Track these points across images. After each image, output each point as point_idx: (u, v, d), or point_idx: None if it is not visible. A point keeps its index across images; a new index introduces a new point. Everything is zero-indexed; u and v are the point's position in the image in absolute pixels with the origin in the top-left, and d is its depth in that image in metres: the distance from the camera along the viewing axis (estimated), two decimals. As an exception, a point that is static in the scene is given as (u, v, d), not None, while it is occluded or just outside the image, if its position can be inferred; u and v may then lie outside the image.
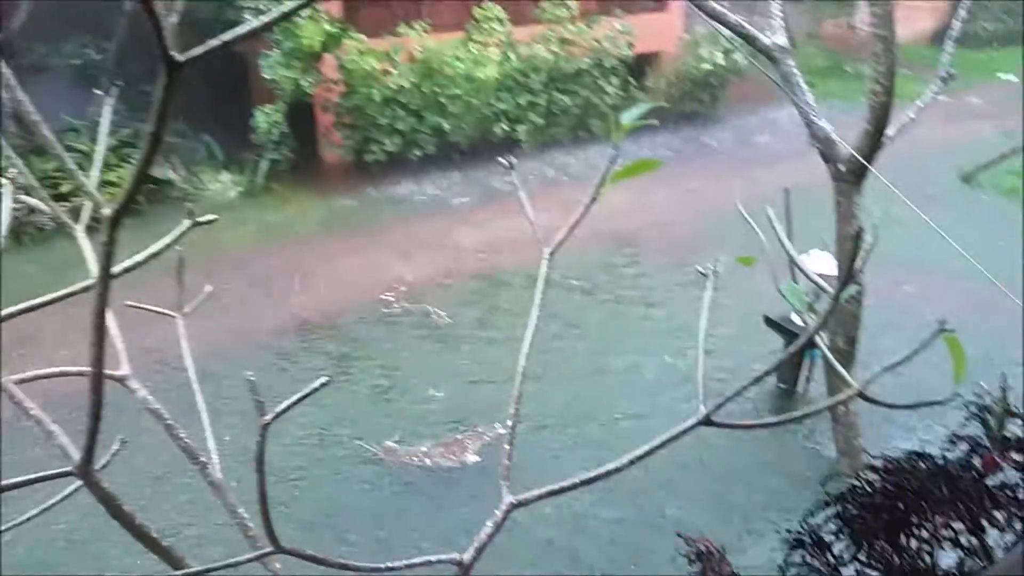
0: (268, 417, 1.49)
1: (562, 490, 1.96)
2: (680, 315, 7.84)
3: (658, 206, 10.06)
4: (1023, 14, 16.82)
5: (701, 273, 2.28)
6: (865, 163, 4.83)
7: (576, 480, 1.92)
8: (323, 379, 1.50)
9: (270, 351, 7.43)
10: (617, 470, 1.85)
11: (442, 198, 10.99)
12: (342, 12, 11.36)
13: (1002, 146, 10.57)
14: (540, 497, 1.99)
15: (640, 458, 1.85)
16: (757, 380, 1.87)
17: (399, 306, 8.18)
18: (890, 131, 4.90)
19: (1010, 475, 3.43)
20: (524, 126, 11.98)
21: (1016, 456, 3.53)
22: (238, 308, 7.90)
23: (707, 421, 1.80)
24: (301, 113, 11.17)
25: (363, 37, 11.06)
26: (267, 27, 1.15)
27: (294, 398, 1.50)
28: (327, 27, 10.44)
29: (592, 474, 1.88)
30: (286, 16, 1.17)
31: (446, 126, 11.40)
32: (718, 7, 5.17)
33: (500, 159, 2.41)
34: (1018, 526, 3.40)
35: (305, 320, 8.00)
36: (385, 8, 11.97)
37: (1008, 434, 3.65)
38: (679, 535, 3.69)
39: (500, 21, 11.72)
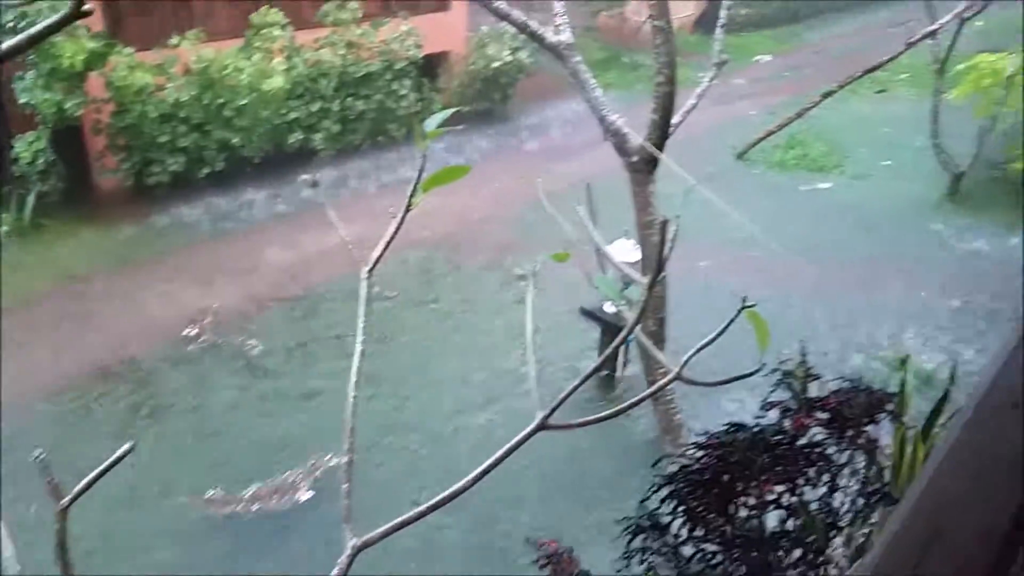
0: (66, 500, 1.29)
1: (408, 522, 1.87)
2: (503, 314, 7.91)
3: (467, 207, 10.09)
4: None
5: (519, 276, 2.25)
6: (657, 153, 5.06)
7: (422, 509, 1.83)
8: (128, 445, 1.32)
9: (62, 407, 6.66)
10: (461, 491, 1.79)
11: (239, 217, 10.38)
12: (105, 25, 10.39)
13: (766, 123, 11.58)
14: (386, 534, 1.87)
15: (483, 474, 1.79)
16: (588, 377, 1.86)
17: (205, 339, 7.63)
18: (675, 118, 5.16)
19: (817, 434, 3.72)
20: (320, 134, 11.58)
21: (819, 415, 3.84)
22: (20, 363, 7.01)
23: (544, 426, 1.77)
24: (69, 138, 10.11)
25: (131, 51, 10.18)
26: (14, 52, 0.95)
27: (93, 474, 1.29)
28: (89, 43, 9.50)
29: (436, 499, 1.81)
30: (34, 42, 0.97)
31: (235, 140, 10.76)
32: (502, 6, 5.21)
33: (304, 176, 2.25)
34: (826, 478, 3.69)
35: (101, 367, 7.25)
36: (152, 18, 11.08)
37: (811, 395, 3.97)
38: (528, 540, 3.70)
39: (280, 26, 11.23)
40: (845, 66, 11.87)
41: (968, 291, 8.14)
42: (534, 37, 5.31)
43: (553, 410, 1.80)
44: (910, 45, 8.94)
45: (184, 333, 7.66)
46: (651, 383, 5.72)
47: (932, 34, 9.06)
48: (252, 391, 6.97)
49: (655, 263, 1.68)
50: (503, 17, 5.22)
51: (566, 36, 5.29)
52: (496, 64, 13.17)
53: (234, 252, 9.39)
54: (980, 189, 10.16)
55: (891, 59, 9.42)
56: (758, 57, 16.52)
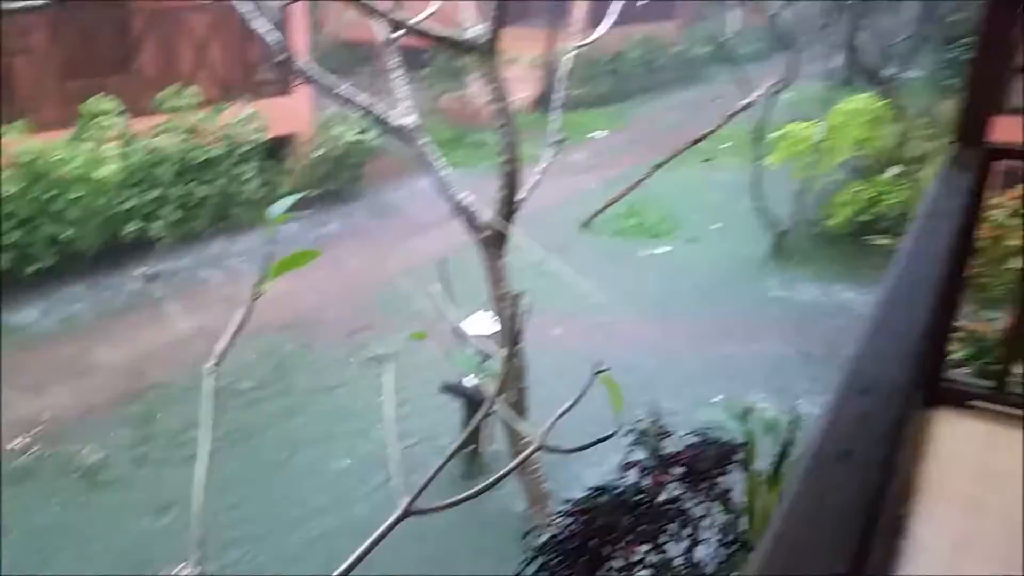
0: None
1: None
2: (364, 398, 7.76)
3: (320, 290, 9.92)
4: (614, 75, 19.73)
5: (377, 358, 2.25)
6: (505, 227, 5.22)
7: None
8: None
9: None
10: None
11: (72, 314, 9.69)
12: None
13: (606, 194, 12.21)
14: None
15: (348, 570, 1.74)
16: (452, 456, 1.86)
17: (36, 451, 6.98)
18: (521, 194, 5.37)
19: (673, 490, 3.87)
20: (159, 222, 11.10)
21: (675, 470, 4.01)
22: None
23: (409, 512, 1.75)
24: None
25: (-56, 144, 9.46)
26: None
27: None
28: None
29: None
30: None
31: (67, 233, 10.13)
32: (346, 91, 5.29)
33: (141, 270, 2.15)
34: (687, 532, 3.84)
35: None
36: (-31, 109, 10.38)
37: (666, 452, 4.14)
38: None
39: (114, 114, 10.80)
40: (673, 138, 12.81)
41: (800, 340, 8.80)
42: (380, 121, 5.41)
43: (418, 494, 1.79)
44: (729, 117, 9.78)
45: (10, 446, 6.98)
46: (516, 454, 5.76)
47: (747, 107, 9.96)
48: (92, 504, 6.42)
49: (512, 334, 1.73)
50: (347, 102, 5.30)
51: (411, 119, 5.42)
52: (343, 145, 13.23)
53: (68, 353, 8.72)
54: (801, 245, 11.10)
55: (713, 131, 10.26)
56: (594, 133, 17.47)
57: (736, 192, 12.00)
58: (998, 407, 3.19)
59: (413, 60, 16.54)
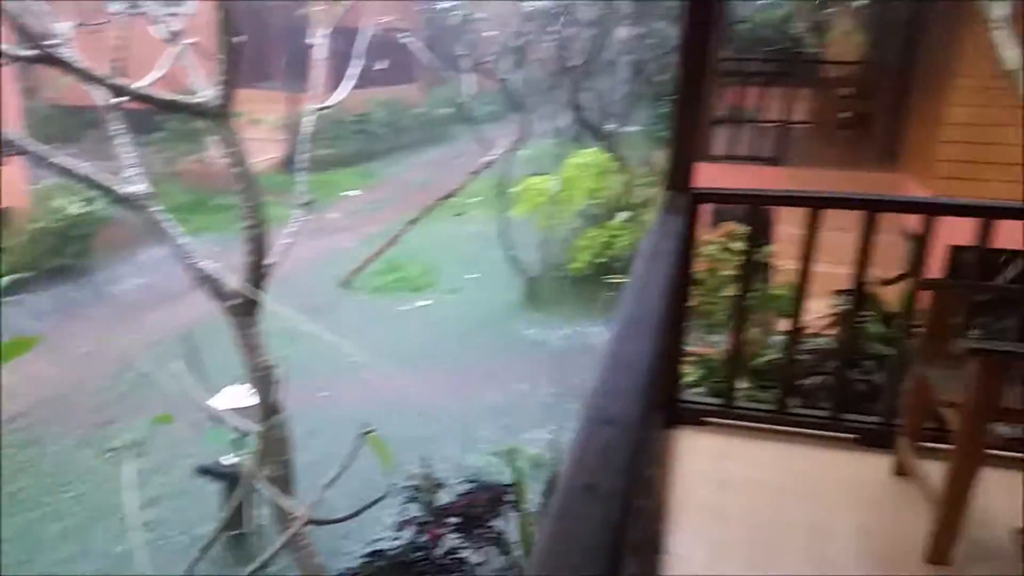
0: None
1: None
2: (105, 492, 6.96)
3: (50, 377, 8.83)
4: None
5: (115, 450, 2.03)
6: (256, 294, 5.00)
7: None
8: None
9: None
10: None
11: None
12: None
13: (363, 252, 12.18)
14: None
15: None
16: (210, 545, 1.73)
17: None
18: (271, 258, 5.18)
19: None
20: None
21: (450, 521, 4.01)
22: None
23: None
24: None
25: None
26: None
27: None
28: None
29: None
30: None
31: None
32: (64, 160, 4.83)
33: None
34: (469, 582, 3.84)
35: None
36: None
37: (440, 504, 4.14)
38: None
39: None
40: (424, 195, 13.12)
41: (555, 377, 9.27)
42: (103, 190, 4.99)
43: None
44: (473, 174, 10.22)
45: None
46: (285, 531, 5.45)
47: (488, 164, 10.47)
48: None
49: (266, 408, 1.65)
50: (65, 172, 4.83)
51: (140, 186, 5.05)
52: (67, 218, 12.01)
53: None
54: (550, 288, 11.77)
55: (460, 187, 10.64)
56: (347, 192, 17.42)
57: (488, 243, 12.48)
58: (728, 421, 3.55)
59: (146, 122, 15.54)
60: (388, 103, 21.22)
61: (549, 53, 11.77)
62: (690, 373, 5.63)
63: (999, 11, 6.46)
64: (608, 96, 16.50)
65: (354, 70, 6.70)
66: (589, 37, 13.23)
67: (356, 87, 22.07)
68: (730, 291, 7.70)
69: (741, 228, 8.13)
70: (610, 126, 15.80)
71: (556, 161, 12.20)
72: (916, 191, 9.64)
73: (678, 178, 3.30)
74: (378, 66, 11.07)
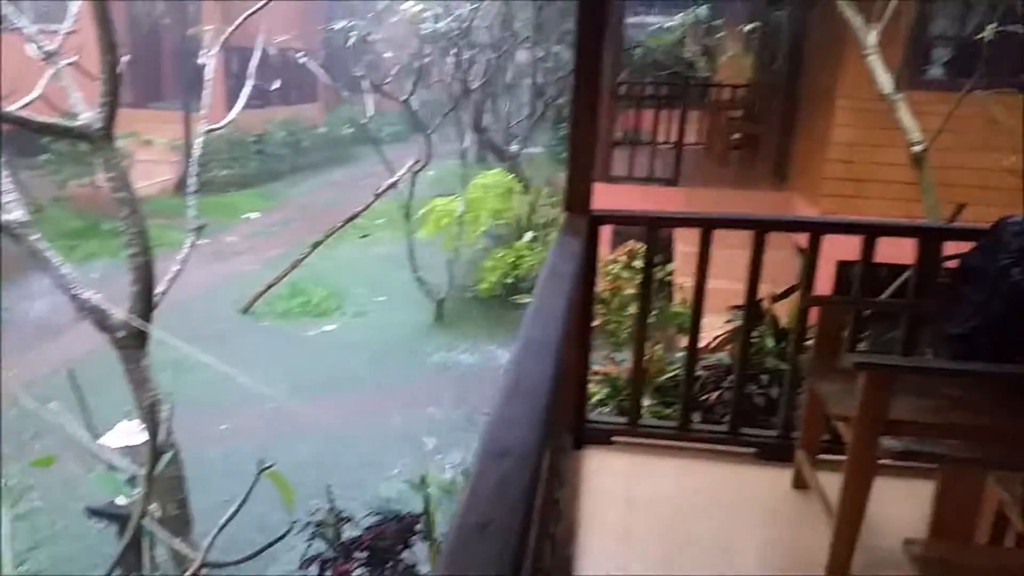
0: None
1: None
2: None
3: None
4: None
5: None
6: (144, 325, 4.76)
7: None
8: None
9: None
10: None
11: None
12: None
13: (265, 276, 11.82)
14: None
15: None
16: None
17: None
18: (161, 287, 4.94)
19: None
20: None
21: (358, 555, 3.88)
22: None
23: None
24: None
25: None
26: None
27: None
28: None
29: None
30: None
31: None
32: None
33: None
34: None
35: None
36: None
37: (347, 539, 4.01)
38: None
39: None
40: (328, 217, 12.87)
41: (467, 401, 9.20)
42: (-24, 218, 4.65)
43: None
44: (376, 196, 10.09)
45: None
46: (183, 573, 5.17)
47: (392, 185, 10.37)
48: None
49: (154, 445, 1.54)
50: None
51: (17, 214, 4.74)
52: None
53: None
54: (459, 310, 11.71)
55: (364, 209, 10.49)
56: (247, 214, 16.94)
57: (396, 265, 12.33)
58: (635, 439, 3.58)
59: (33, 145, 14.70)
60: (288, 123, 20.83)
61: (450, 75, 11.80)
62: (597, 392, 5.68)
63: (871, 39, 6.81)
64: (511, 117, 16.67)
65: (247, 89, 6.51)
66: (490, 59, 13.35)
67: (256, 107, 21.52)
68: (633, 309, 7.84)
69: (641, 247, 8.33)
70: (514, 147, 15.95)
71: (462, 182, 12.19)
72: (805, 208, 10.08)
73: (576, 200, 3.33)
74: (275, 85, 10.81)
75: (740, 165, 13.67)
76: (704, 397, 4.68)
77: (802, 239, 3.33)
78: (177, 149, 17.91)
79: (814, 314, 3.06)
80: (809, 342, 3.17)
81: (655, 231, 3.40)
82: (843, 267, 9.97)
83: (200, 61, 6.31)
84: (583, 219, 3.29)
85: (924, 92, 8.73)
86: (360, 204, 10.85)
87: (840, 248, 3.33)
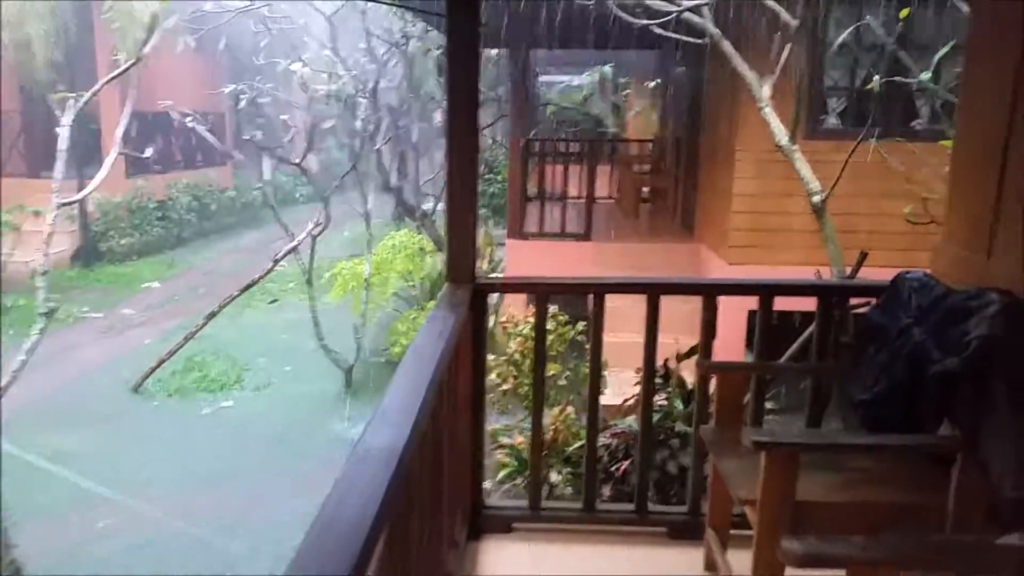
0: None
1: None
2: None
3: None
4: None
5: None
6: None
7: None
8: None
9: None
10: None
11: None
12: None
13: (160, 351, 11.10)
14: None
15: None
16: None
17: None
18: (5, 378, 4.43)
19: None
20: None
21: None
22: None
23: None
24: None
25: None
26: None
27: None
28: None
29: None
30: None
31: None
32: None
33: None
34: None
35: None
36: None
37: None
38: None
39: None
40: (234, 283, 12.26)
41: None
42: None
43: None
44: (276, 262, 9.65)
45: None
46: None
47: (294, 250, 9.94)
48: None
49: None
50: None
51: None
52: None
53: None
54: (371, 377, 11.23)
55: (263, 276, 10.02)
56: (147, 284, 16.13)
57: (305, 331, 11.81)
58: (537, 525, 3.28)
59: None
60: (194, 187, 20.17)
61: (356, 136, 11.56)
62: (506, 466, 5.36)
63: (764, 92, 6.94)
64: (423, 176, 16.52)
65: (112, 157, 6.11)
66: (398, 121, 13.20)
67: (158, 172, 20.71)
68: (551, 370, 7.58)
69: (553, 307, 8.10)
70: (426, 206, 15.76)
71: (372, 243, 11.85)
72: (712, 259, 10.13)
73: (458, 270, 3.07)
74: (147, 152, 10.35)
75: (650, 218, 13.85)
76: (615, 467, 4.42)
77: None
78: (73, 219, 17.04)
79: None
80: (711, 409, 2.95)
81: (545, 300, 3.16)
82: (751, 316, 10.00)
83: (56, 130, 5.87)
84: (467, 289, 3.02)
85: (821, 142, 8.88)
86: (261, 270, 10.36)
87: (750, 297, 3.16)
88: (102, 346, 12.42)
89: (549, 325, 8.06)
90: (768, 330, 2.99)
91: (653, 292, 2.96)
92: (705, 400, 3.05)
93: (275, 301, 14.67)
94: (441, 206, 16.93)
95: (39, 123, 17.97)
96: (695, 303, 3.03)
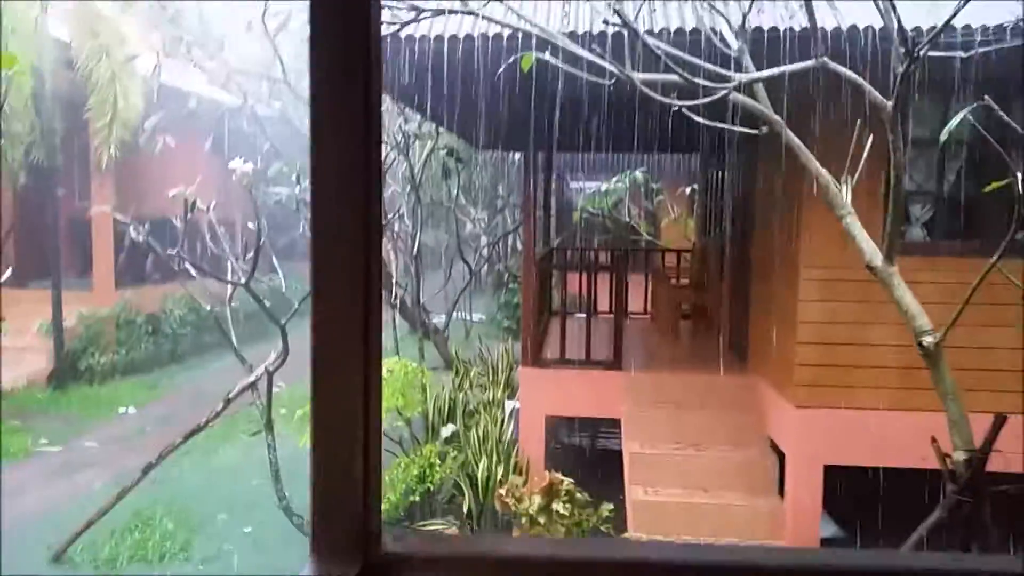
0: None
1: None
2: None
3: None
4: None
5: None
6: None
7: None
8: None
9: None
10: None
11: None
12: None
13: (110, 496, 9.15)
14: None
15: None
16: None
17: None
18: None
19: None
20: None
21: None
22: None
23: None
24: None
25: None
26: None
27: None
28: None
29: None
30: None
31: None
32: None
33: None
34: None
35: None
36: None
37: None
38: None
39: None
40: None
41: None
42: None
43: None
44: (228, 402, 7.89)
45: None
46: None
47: (252, 386, 8.21)
48: None
49: None
50: None
51: None
52: None
53: None
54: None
55: (212, 418, 8.23)
56: (122, 409, 14.41)
57: (284, 474, 9.90)
58: None
59: None
60: (189, 298, 18.72)
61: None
62: None
63: (846, 197, 5.34)
64: (430, 288, 14.92)
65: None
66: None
67: (155, 281, 19.06)
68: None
69: (562, 481, 6.11)
70: (437, 318, 14.07)
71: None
72: (775, 399, 8.14)
73: (331, 529, 1.19)
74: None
75: (692, 338, 12.01)
76: None
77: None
78: (52, 335, 15.61)
79: None
80: None
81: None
82: (832, 472, 8.02)
83: None
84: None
85: (904, 258, 6.91)
86: (217, 408, 8.59)
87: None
88: (44, 492, 10.58)
89: (557, 506, 6.06)
90: None
91: None
92: None
93: (258, 432, 12.77)
94: (467, 316, 15.20)
95: (34, 229, 16.94)
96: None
